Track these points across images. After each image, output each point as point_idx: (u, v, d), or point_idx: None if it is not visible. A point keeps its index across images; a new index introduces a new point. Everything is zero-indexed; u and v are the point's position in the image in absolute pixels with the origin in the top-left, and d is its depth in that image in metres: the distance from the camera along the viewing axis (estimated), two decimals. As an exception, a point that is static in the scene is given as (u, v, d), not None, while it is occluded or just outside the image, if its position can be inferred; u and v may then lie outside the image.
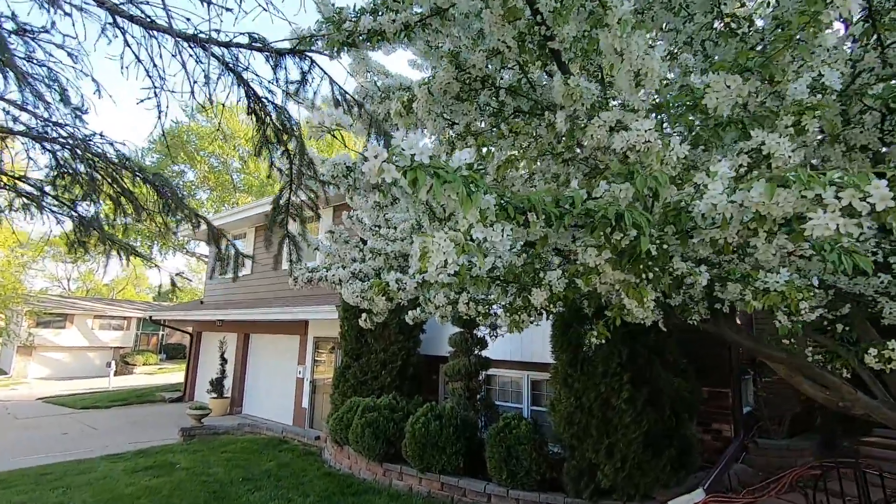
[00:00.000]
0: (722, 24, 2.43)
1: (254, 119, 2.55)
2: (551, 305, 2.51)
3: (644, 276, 1.79)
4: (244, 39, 2.62)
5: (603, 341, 2.66)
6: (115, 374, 26.68)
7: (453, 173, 1.27)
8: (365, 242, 3.87)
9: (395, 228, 4.09)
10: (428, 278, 2.57)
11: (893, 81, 2.15)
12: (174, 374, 25.16)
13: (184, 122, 32.64)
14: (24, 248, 22.65)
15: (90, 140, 3.16)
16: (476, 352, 7.93)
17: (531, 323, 2.97)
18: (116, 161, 3.20)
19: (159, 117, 2.88)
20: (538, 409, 8.62)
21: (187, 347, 17.49)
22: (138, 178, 3.28)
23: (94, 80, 3.27)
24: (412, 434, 6.93)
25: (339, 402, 8.98)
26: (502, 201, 1.46)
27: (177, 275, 3.77)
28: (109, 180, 3.31)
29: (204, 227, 3.84)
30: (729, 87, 1.77)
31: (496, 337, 9.22)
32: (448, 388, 7.97)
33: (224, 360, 13.65)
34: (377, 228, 3.77)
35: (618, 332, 5.89)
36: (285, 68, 2.59)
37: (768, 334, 3.98)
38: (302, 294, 12.29)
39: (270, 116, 2.61)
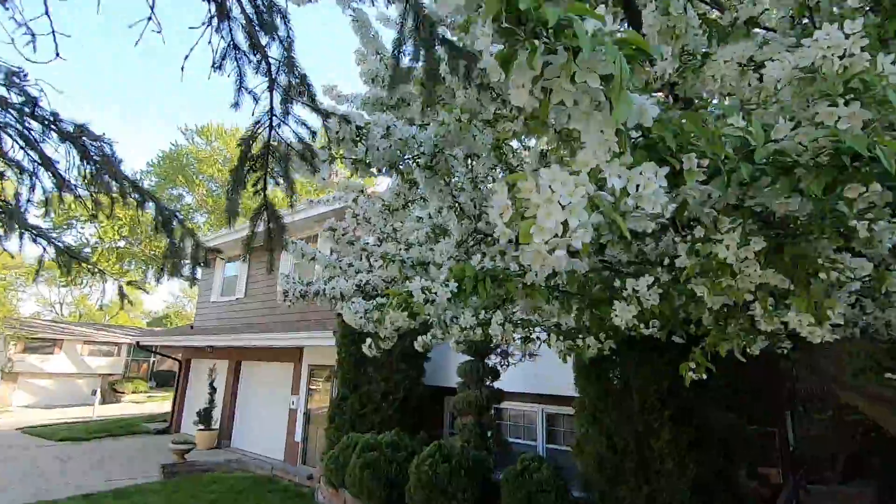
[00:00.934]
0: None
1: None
2: (641, 326, 1.81)
3: (822, 276, 1.11)
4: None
5: (703, 375, 1.99)
6: (103, 402, 25.56)
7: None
8: (368, 254, 3.19)
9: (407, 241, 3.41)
10: (529, 261, 1.88)
11: None
12: (163, 403, 24.07)
13: (183, 144, 32.36)
14: (7, 268, 21.90)
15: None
16: (487, 383, 7.15)
17: (599, 350, 2.27)
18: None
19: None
20: (555, 448, 7.78)
21: (176, 375, 16.59)
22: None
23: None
24: (417, 478, 6.09)
25: (334, 438, 8.12)
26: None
27: (127, 283, 3.07)
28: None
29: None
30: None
31: (507, 366, 8.49)
32: (457, 424, 7.15)
33: (213, 390, 12.76)
34: (392, 232, 3.10)
35: (654, 359, 5.17)
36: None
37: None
38: (297, 319, 11.54)
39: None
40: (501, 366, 7.77)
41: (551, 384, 7.70)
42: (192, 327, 15.81)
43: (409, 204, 3.59)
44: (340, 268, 3.21)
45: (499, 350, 7.76)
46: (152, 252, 29.27)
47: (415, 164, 1.85)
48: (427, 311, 1.69)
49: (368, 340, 3.97)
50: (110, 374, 28.06)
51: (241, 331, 12.49)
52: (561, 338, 2.36)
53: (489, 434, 6.98)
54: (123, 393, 26.95)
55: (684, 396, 5.08)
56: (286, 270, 12.38)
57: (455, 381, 8.64)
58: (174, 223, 2.55)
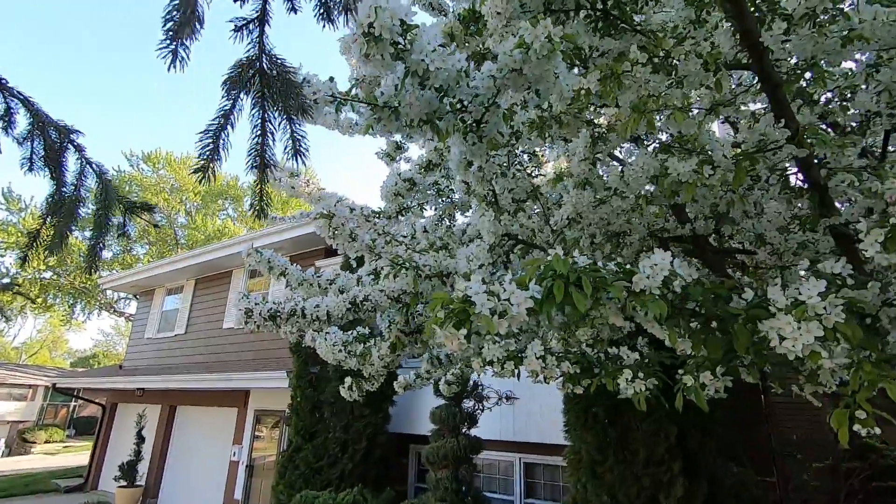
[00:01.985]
0: None
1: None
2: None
3: None
4: None
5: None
6: (9, 453, 22.43)
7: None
8: (355, 267, 2.54)
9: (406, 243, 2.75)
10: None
11: None
12: (81, 454, 21.34)
13: (127, 170, 30.47)
14: None
15: None
16: (464, 430, 6.39)
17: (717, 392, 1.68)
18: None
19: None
20: (535, 503, 7.02)
21: (98, 422, 14.62)
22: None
23: None
24: (386, 546, 5.18)
25: (284, 497, 7.02)
26: None
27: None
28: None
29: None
30: None
31: (481, 411, 7.75)
32: (428, 478, 6.30)
33: (141, 439, 11.16)
34: (385, 244, 2.43)
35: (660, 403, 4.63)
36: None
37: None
38: (248, 358, 10.41)
39: None
40: (477, 410, 7.05)
41: (532, 431, 7.03)
42: (120, 367, 14.12)
43: (404, 212, 2.97)
44: (319, 284, 2.52)
45: (475, 393, 7.05)
46: (82, 285, 26.82)
47: (458, 118, 1.26)
48: (498, 328, 1.07)
49: (348, 380, 3.23)
50: (21, 422, 24.83)
51: (179, 371, 11.14)
52: (641, 375, 1.76)
53: (466, 490, 6.17)
54: (34, 443, 23.83)
55: (693, 447, 4.56)
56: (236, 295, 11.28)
57: (423, 427, 7.80)
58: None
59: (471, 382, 6.67)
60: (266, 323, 2.12)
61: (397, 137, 3.40)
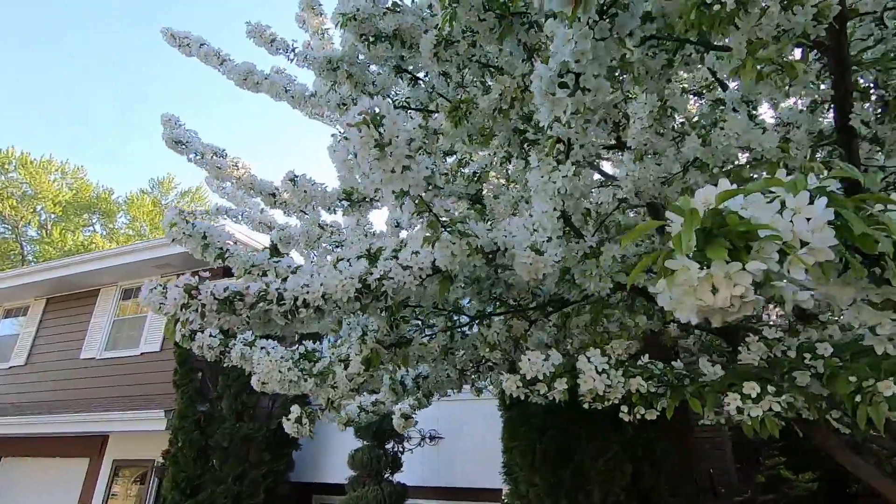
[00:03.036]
0: None
1: None
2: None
3: None
4: None
5: None
6: None
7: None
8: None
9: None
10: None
11: None
12: None
13: (-38, 171, 25.41)
14: None
15: None
16: (388, 476, 5.62)
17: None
18: None
19: None
20: (459, 557, 6.34)
21: None
22: None
23: None
24: None
25: (151, 571, 5.58)
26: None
27: None
28: None
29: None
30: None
31: (402, 452, 6.99)
32: (344, 536, 5.39)
33: (-57, 504, 8.58)
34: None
35: (610, 435, 4.36)
36: None
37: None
38: (109, 395, 8.60)
39: None
40: (398, 451, 6.32)
41: (458, 474, 6.42)
42: (-76, 408, 11.01)
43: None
44: (277, 274, 1.82)
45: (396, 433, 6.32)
46: None
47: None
48: (804, 263, 0.61)
49: (296, 410, 2.47)
50: None
51: (10, 412, 8.89)
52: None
53: (386, 547, 5.34)
54: None
55: (645, 485, 4.31)
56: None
57: (332, 474, 6.86)
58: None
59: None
60: (213, 315, 1.39)
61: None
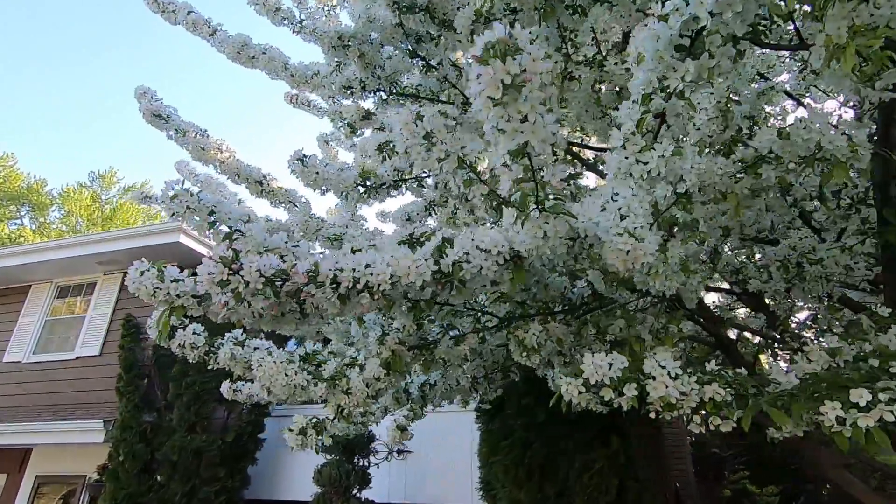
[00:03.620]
0: None
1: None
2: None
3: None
4: None
5: None
6: None
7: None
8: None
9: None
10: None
11: None
12: None
13: None
14: None
15: None
16: (356, 492, 5.28)
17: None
18: None
19: None
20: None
21: None
22: None
23: None
24: None
25: None
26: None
27: None
28: None
29: None
30: None
31: (367, 467, 6.64)
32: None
33: None
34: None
35: (596, 445, 4.26)
36: None
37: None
38: (37, 404, 7.76)
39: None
40: (367, 467, 5.98)
41: (427, 491, 6.15)
42: None
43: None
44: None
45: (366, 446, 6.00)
46: None
47: None
48: None
49: (299, 420, 2.17)
50: None
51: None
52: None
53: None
54: None
55: (628, 499, 4.23)
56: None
57: (293, 490, 6.43)
58: None
59: (368, 431, 5.64)
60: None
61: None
